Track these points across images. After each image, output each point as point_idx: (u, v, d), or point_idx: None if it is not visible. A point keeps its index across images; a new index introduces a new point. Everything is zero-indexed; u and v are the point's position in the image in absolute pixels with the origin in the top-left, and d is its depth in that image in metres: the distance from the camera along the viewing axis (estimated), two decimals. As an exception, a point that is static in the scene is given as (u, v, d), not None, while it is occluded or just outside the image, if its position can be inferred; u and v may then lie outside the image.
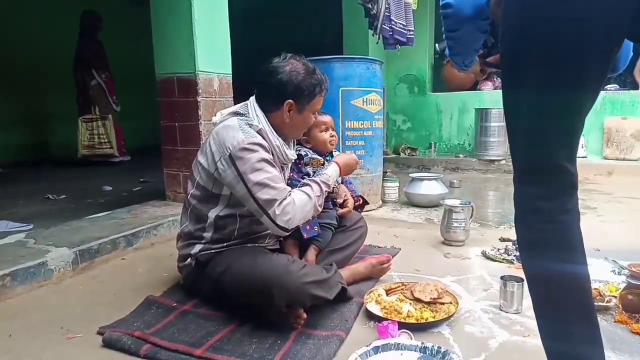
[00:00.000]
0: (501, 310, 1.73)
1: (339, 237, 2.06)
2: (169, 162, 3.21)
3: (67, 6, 6.26)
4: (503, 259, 2.27)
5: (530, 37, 0.98)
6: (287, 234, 1.68)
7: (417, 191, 3.54)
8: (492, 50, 1.29)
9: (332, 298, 1.61)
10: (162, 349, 1.43)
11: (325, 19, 6.57)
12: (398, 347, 1.40)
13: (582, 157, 5.21)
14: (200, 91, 2.99)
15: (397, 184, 3.80)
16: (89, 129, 5.51)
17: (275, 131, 1.70)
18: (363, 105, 3.23)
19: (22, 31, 6.15)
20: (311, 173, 1.99)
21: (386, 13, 4.25)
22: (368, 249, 2.41)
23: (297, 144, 2.01)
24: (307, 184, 1.70)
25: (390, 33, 4.35)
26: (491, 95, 5.90)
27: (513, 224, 1.12)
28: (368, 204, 2.34)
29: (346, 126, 3.18)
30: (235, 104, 1.88)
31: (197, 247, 1.73)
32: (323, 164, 2.01)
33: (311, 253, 1.96)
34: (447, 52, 1.30)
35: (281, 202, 1.56)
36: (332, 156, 2.10)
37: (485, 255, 2.35)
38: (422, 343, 1.40)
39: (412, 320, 1.60)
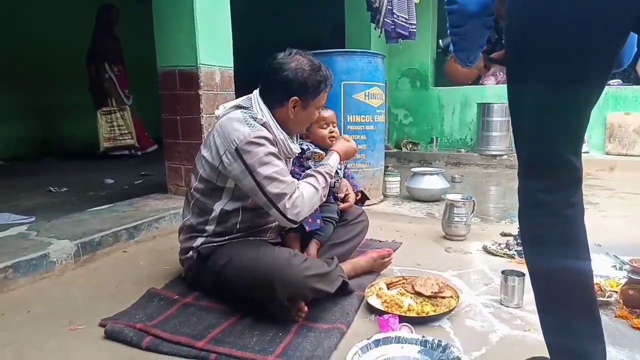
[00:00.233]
0: (502, 304, 1.73)
1: (340, 231, 2.07)
2: (171, 156, 3.21)
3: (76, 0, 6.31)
4: (504, 254, 2.27)
5: (535, 32, 0.98)
6: (295, 226, 1.70)
7: (419, 186, 3.54)
8: (495, 46, 1.28)
9: (333, 291, 1.62)
10: (163, 341, 1.44)
11: (327, 13, 6.54)
12: (399, 340, 1.40)
13: (585, 152, 5.19)
14: (201, 84, 2.99)
15: (398, 178, 3.79)
16: (109, 121, 5.54)
17: (279, 125, 1.70)
18: (365, 99, 3.22)
19: (30, 24, 6.15)
20: (312, 167, 1.99)
21: (388, 6, 4.23)
22: (369, 243, 2.41)
23: (298, 138, 2.00)
24: (312, 175, 1.70)
25: (393, 27, 4.34)
26: (494, 90, 5.88)
27: (514, 219, 1.12)
28: (368, 199, 2.34)
29: (348, 120, 3.18)
30: (236, 97, 1.88)
31: (199, 240, 1.73)
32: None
33: (312, 247, 1.96)
34: (451, 47, 1.30)
35: (291, 195, 1.58)
36: None
37: (486, 249, 2.35)
38: (423, 336, 1.40)
39: (413, 314, 1.60)
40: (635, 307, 1.62)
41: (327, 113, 2.08)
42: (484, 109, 5.51)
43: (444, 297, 1.69)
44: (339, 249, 2.00)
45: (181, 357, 1.39)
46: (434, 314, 1.61)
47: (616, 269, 2.06)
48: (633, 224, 2.87)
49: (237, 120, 1.63)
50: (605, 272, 2.00)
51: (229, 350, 1.38)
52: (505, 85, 1.11)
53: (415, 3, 4.63)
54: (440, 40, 1.42)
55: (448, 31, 1.24)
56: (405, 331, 1.48)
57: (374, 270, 2.02)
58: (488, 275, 2.04)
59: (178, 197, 3.11)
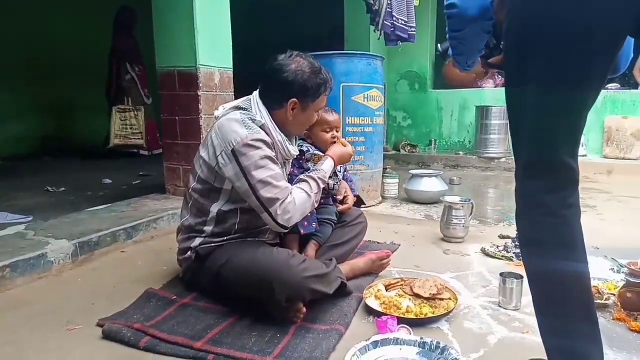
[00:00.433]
0: (500, 306, 1.74)
1: (339, 232, 2.07)
2: (169, 156, 3.20)
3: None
4: (502, 256, 2.27)
5: (534, 34, 0.99)
6: (286, 231, 1.71)
7: (417, 188, 3.54)
8: (494, 51, 1.29)
9: (331, 293, 1.62)
10: (161, 341, 1.43)
11: (327, 14, 6.55)
12: (397, 341, 1.40)
13: (582, 156, 5.21)
14: (200, 85, 2.98)
15: (397, 180, 3.80)
16: (122, 119, 5.63)
17: (278, 127, 1.70)
18: (364, 101, 3.22)
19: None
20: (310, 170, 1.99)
21: (388, 9, 4.24)
22: (368, 244, 2.41)
23: (299, 139, 2.00)
24: (305, 180, 1.71)
25: (392, 29, 4.35)
26: (492, 93, 5.90)
27: (512, 222, 1.13)
28: (364, 204, 2.33)
29: (347, 122, 3.18)
30: (236, 98, 1.88)
31: (197, 241, 1.73)
32: None
33: (311, 248, 1.96)
34: (449, 52, 1.30)
35: (283, 201, 1.58)
36: None
37: (484, 252, 2.35)
38: (421, 338, 1.41)
39: (411, 316, 1.60)
40: (633, 310, 1.62)
41: (332, 117, 2.06)
42: (482, 112, 5.53)
43: (442, 299, 1.69)
44: (337, 250, 2.00)
45: (179, 357, 1.38)
46: (432, 315, 1.61)
47: (614, 271, 2.06)
48: (630, 227, 2.88)
49: (235, 122, 1.63)
50: (603, 275, 2.00)
51: (227, 350, 1.38)
52: (504, 88, 1.12)
53: (415, 6, 4.64)
54: (438, 45, 1.42)
55: (447, 35, 1.25)
56: (403, 332, 1.48)
57: (372, 271, 2.02)
58: (486, 277, 2.04)
59: (176, 197, 3.10)
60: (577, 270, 1.04)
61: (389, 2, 4.22)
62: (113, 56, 5.67)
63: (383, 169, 3.72)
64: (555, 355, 1.08)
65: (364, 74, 3.22)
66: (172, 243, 1.97)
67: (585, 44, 0.95)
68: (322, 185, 1.74)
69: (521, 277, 1.69)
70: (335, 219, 2.07)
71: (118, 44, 5.61)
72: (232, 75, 3.23)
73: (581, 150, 5.24)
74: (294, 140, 1.87)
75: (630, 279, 1.65)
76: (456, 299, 1.71)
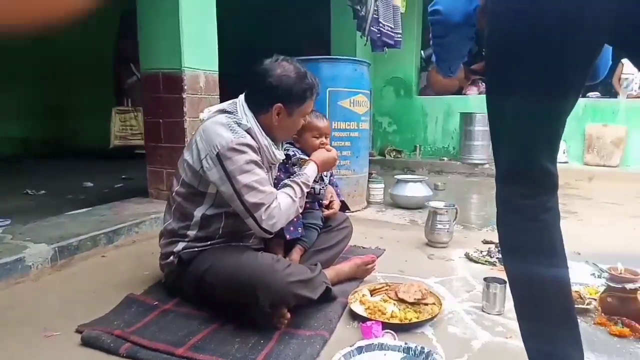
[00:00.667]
0: (484, 311, 1.74)
1: (324, 237, 2.06)
2: (153, 159, 3.16)
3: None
4: (486, 261, 2.29)
5: (514, 43, 1.00)
6: (270, 236, 1.69)
7: (402, 193, 3.56)
8: (476, 57, 1.30)
9: (316, 298, 1.60)
10: (142, 348, 1.40)
11: (313, 19, 6.56)
12: (382, 347, 1.40)
13: (564, 163, 5.31)
14: (185, 88, 2.96)
15: (382, 185, 3.81)
16: (122, 121, 5.60)
17: (264, 131, 1.69)
18: (350, 106, 3.23)
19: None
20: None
21: (374, 15, 4.26)
22: (353, 249, 2.41)
23: (286, 143, 1.99)
24: (289, 185, 1.70)
25: (378, 35, 4.37)
26: (476, 100, 5.97)
27: (495, 227, 1.13)
28: (348, 209, 2.33)
29: (333, 127, 3.17)
30: (221, 101, 1.86)
31: (180, 245, 1.70)
32: None
33: (296, 253, 1.95)
34: (433, 58, 1.31)
35: (268, 206, 1.57)
36: None
37: (468, 257, 2.37)
38: (406, 343, 1.40)
39: (396, 321, 1.60)
40: (614, 315, 1.64)
41: (322, 124, 2.05)
42: (467, 119, 5.59)
43: (426, 304, 1.69)
44: (322, 255, 1.99)
45: (160, 364, 1.36)
46: (416, 320, 1.61)
47: (595, 277, 2.09)
48: (611, 233, 2.93)
49: (220, 125, 1.61)
50: (585, 280, 2.03)
51: (210, 357, 1.36)
52: (485, 95, 1.13)
53: (401, 12, 4.68)
54: (422, 51, 1.44)
55: (430, 42, 1.26)
56: (388, 338, 1.48)
57: (357, 276, 2.01)
58: (470, 282, 2.05)
59: (159, 201, 3.06)
60: (557, 275, 1.05)
61: (375, 8, 4.25)
62: (117, 61, 5.66)
63: (369, 174, 3.73)
64: (536, 359, 1.09)
65: (351, 79, 3.23)
66: (155, 248, 1.93)
67: (563, 53, 0.96)
68: (305, 190, 1.74)
69: (504, 282, 1.70)
70: (321, 223, 2.06)
71: (122, 49, 5.60)
72: (217, 78, 3.21)
73: (563, 157, 5.34)
74: (281, 145, 1.86)
75: (611, 284, 1.68)
76: (440, 304, 1.71)
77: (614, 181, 4.88)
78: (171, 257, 1.72)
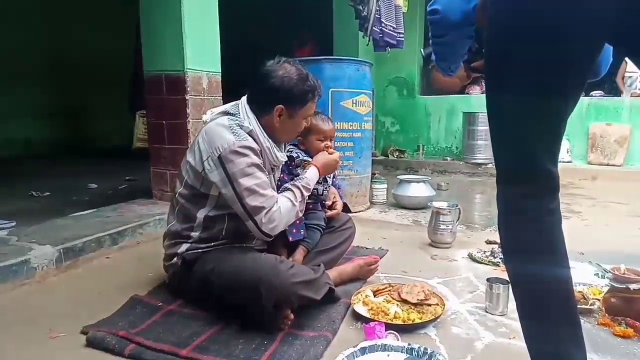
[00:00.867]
0: (487, 312, 1.75)
1: (327, 238, 2.06)
2: (156, 161, 3.17)
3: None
4: (489, 262, 2.29)
5: (515, 42, 1.00)
6: (270, 239, 1.71)
7: (405, 193, 3.56)
8: (476, 55, 1.30)
9: (319, 299, 1.61)
10: (147, 349, 1.41)
11: (316, 20, 6.57)
12: (385, 348, 1.40)
13: (567, 162, 5.29)
14: (188, 89, 2.97)
15: (385, 185, 3.81)
16: (144, 123, 5.58)
17: (267, 133, 1.69)
18: (352, 106, 3.23)
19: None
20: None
21: (376, 15, 4.26)
22: (356, 250, 2.41)
23: (290, 145, 2.00)
24: (290, 189, 1.71)
25: (381, 35, 4.37)
26: (479, 99, 5.95)
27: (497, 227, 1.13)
28: (350, 211, 2.34)
29: (335, 127, 3.18)
30: (224, 102, 1.87)
31: (184, 246, 1.71)
32: None
33: (299, 253, 1.96)
34: (432, 57, 1.31)
35: (269, 210, 1.58)
36: None
37: (471, 257, 2.37)
38: (409, 344, 1.41)
39: (399, 322, 1.60)
40: (617, 315, 1.64)
41: (327, 127, 2.05)
42: (470, 118, 5.58)
43: (429, 305, 1.69)
44: (325, 256, 2.00)
45: (164, 365, 1.37)
46: (420, 321, 1.61)
47: (599, 277, 2.08)
48: (615, 233, 2.92)
49: (223, 127, 1.62)
50: (588, 280, 2.02)
51: (214, 358, 1.37)
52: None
53: (403, 12, 4.68)
54: (421, 50, 1.44)
55: (430, 41, 1.25)
56: (391, 339, 1.48)
57: (360, 277, 2.01)
58: (473, 282, 2.05)
59: (163, 202, 3.07)
60: (559, 275, 1.05)
61: (377, 8, 4.25)
62: (137, 64, 5.64)
63: (371, 174, 3.73)
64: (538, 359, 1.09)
65: (353, 80, 3.23)
66: (159, 249, 1.94)
67: (563, 52, 0.96)
68: (306, 194, 1.75)
69: (508, 282, 1.70)
70: (324, 224, 2.07)
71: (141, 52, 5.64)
72: (220, 80, 3.22)
73: (566, 157, 5.32)
74: (283, 147, 1.87)
75: (615, 284, 1.67)
76: (444, 305, 1.71)
77: (618, 180, 4.86)
78: (175, 259, 1.73)
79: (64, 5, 6.70)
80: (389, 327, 1.55)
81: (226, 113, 1.70)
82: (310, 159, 2.01)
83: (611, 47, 1.13)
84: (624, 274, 1.68)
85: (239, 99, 1.75)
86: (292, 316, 1.56)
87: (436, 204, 2.67)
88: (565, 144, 5.20)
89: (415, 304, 1.70)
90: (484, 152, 5.51)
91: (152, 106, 3.12)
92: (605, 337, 1.55)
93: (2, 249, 2.07)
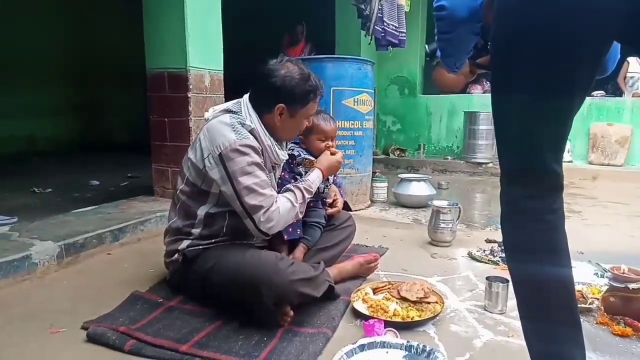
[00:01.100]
0: (486, 310, 1.75)
1: (327, 235, 2.07)
2: (158, 158, 3.18)
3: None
4: (489, 260, 2.29)
5: (521, 41, 0.99)
6: (267, 238, 1.72)
7: (406, 192, 3.56)
8: (481, 51, 1.29)
9: (319, 296, 1.62)
10: (147, 345, 1.42)
11: (318, 19, 6.57)
12: (384, 345, 1.41)
13: (568, 162, 5.29)
14: (191, 87, 2.97)
15: (386, 184, 3.82)
16: None
17: (268, 132, 1.70)
18: (354, 105, 3.24)
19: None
20: (303, 173, 1.99)
21: (379, 14, 4.27)
22: (356, 248, 2.42)
23: (291, 143, 2.00)
24: (291, 190, 1.71)
25: (383, 34, 4.38)
26: (480, 99, 5.96)
27: (499, 226, 1.12)
28: (350, 209, 2.34)
29: (337, 126, 3.19)
30: (226, 100, 1.87)
31: (185, 243, 1.71)
32: None
33: (299, 251, 1.96)
34: (438, 53, 1.29)
35: (267, 209, 1.59)
36: None
37: (471, 256, 2.37)
38: (408, 342, 1.41)
39: (398, 319, 1.61)
40: (616, 314, 1.64)
41: (329, 127, 2.04)
42: (471, 117, 5.58)
43: (429, 303, 1.70)
44: (325, 254, 2.00)
45: (165, 360, 1.37)
46: (419, 319, 1.61)
47: (598, 276, 2.09)
48: (614, 232, 2.93)
49: (224, 125, 1.63)
50: (587, 280, 2.03)
51: (213, 354, 1.37)
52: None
53: (405, 11, 4.68)
54: (426, 45, 1.42)
55: (436, 37, 1.24)
56: (390, 336, 1.48)
57: (360, 275, 2.02)
58: (473, 281, 2.06)
59: (164, 199, 3.08)
60: (561, 276, 1.04)
61: (380, 7, 4.25)
62: None
63: (372, 172, 3.73)
64: (538, 358, 1.09)
65: (355, 79, 3.24)
66: (159, 245, 1.95)
67: (572, 50, 0.95)
68: (308, 197, 1.75)
69: (507, 281, 1.70)
70: (324, 222, 2.07)
71: None
72: (222, 78, 3.22)
73: (567, 157, 5.32)
74: (285, 145, 1.87)
75: (614, 284, 1.68)
76: (443, 303, 1.72)
77: (619, 180, 4.86)
78: (176, 255, 1.74)
79: (80, 3, 6.80)
80: (388, 324, 1.56)
81: (228, 111, 1.70)
82: (311, 157, 2.02)
83: (619, 45, 1.12)
84: (623, 273, 1.68)
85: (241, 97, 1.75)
86: (291, 313, 1.56)
87: (436, 202, 2.68)
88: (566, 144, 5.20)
89: (414, 302, 1.70)
90: (484, 151, 5.52)
91: (155, 103, 3.12)
92: (603, 336, 1.56)
93: (3, 244, 2.08)
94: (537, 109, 1.01)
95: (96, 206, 2.89)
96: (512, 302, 1.66)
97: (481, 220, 3.23)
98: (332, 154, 1.94)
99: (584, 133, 5.48)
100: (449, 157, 6.06)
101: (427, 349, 1.37)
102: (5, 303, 1.74)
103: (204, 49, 3.04)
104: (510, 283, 1.13)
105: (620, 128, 5.31)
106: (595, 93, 5.55)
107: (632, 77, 5.62)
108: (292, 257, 1.84)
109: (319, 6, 6.26)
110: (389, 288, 1.85)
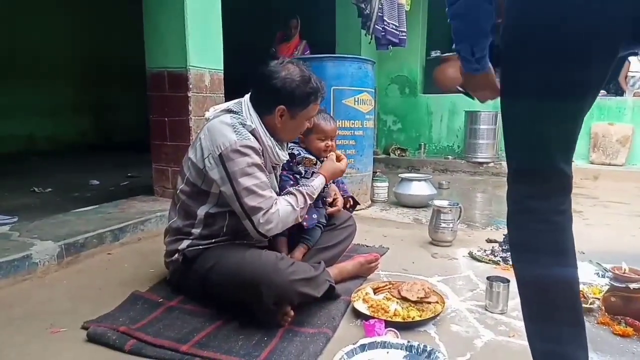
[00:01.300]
0: (487, 310, 1.75)
1: (328, 235, 2.06)
2: (158, 157, 3.18)
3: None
4: (489, 260, 2.29)
5: (533, 39, 0.97)
6: (266, 240, 1.72)
7: (407, 191, 3.56)
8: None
9: (319, 296, 1.61)
10: (147, 345, 1.42)
11: (318, 18, 6.56)
12: (384, 345, 1.41)
13: (569, 161, 5.28)
14: (191, 86, 2.97)
15: (386, 184, 3.81)
16: None
17: (269, 132, 1.70)
18: (354, 104, 3.23)
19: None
20: (303, 172, 1.99)
21: (379, 13, 4.26)
22: (356, 247, 2.42)
23: (291, 142, 2.00)
24: (293, 194, 1.71)
25: (383, 33, 4.37)
26: (481, 98, 5.94)
27: (500, 226, 1.12)
28: (359, 204, 2.34)
29: (337, 125, 3.18)
30: (226, 100, 1.87)
31: (185, 243, 1.71)
32: (315, 164, 2.01)
33: (299, 251, 1.96)
34: (453, 46, 1.13)
35: (267, 211, 1.58)
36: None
37: (471, 256, 2.37)
38: (408, 342, 1.41)
39: (399, 319, 1.61)
40: (617, 314, 1.64)
41: (328, 127, 2.04)
42: (472, 117, 5.57)
43: (429, 303, 1.70)
44: (326, 254, 2.00)
45: (165, 360, 1.37)
46: (419, 319, 1.61)
47: (599, 276, 2.09)
48: (616, 232, 2.92)
49: (225, 125, 1.62)
50: (588, 279, 2.03)
51: (214, 354, 1.37)
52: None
53: (406, 11, 4.68)
54: (453, 45, 1.23)
55: (448, 14, 1.07)
56: (391, 336, 1.48)
57: (360, 275, 2.02)
58: (473, 281, 2.06)
59: (164, 199, 3.08)
60: (568, 277, 1.04)
61: (380, 6, 4.25)
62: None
63: (373, 172, 3.73)
64: (541, 358, 1.08)
65: (355, 78, 3.24)
66: (160, 245, 1.95)
67: (583, 51, 0.93)
68: (309, 201, 1.75)
69: (508, 281, 1.70)
70: (325, 221, 2.07)
71: None
72: (222, 77, 3.22)
73: (568, 156, 5.31)
74: (285, 146, 1.87)
75: (615, 284, 1.67)
76: (443, 303, 1.72)
77: (620, 180, 4.86)
78: (176, 255, 1.74)
79: (80, 2, 6.84)
80: (388, 324, 1.55)
81: (229, 111, 1.70)
82: (311, 157, 2.01)
83: None
84: (624, 273, 1.68)
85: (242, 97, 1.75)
86: (292, 313, 1.56)
87: (437, 202, 2.67)
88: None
89: (415, 302, 1.70)
90: (485, 151, 5.51)
91: (155, 103, 3.12)
92: (604, 336, 1.56)
93: (4, 244, 2.08)
94: (550, 108, 0.99)
95: (96, 206, 2.88)
96: (513, 302, 1.67)
97: (482, 220, 3.22)
98: (339, 159, 1.93)
99: (585, 133, 5.46)
100: (449, 156, 6.05)
101: (428, 349, 1.37)
102: (6, 303, 1.74)
103: (204, 48, 3.03)
104: (511, 283, 1.12)
105: (621, 127, 5.30)
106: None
107: (633, 77, 5.61)
108: (291, 257, 1.84)
109: (319, 5, 6.25)
110: (389, 288, 1.85)
